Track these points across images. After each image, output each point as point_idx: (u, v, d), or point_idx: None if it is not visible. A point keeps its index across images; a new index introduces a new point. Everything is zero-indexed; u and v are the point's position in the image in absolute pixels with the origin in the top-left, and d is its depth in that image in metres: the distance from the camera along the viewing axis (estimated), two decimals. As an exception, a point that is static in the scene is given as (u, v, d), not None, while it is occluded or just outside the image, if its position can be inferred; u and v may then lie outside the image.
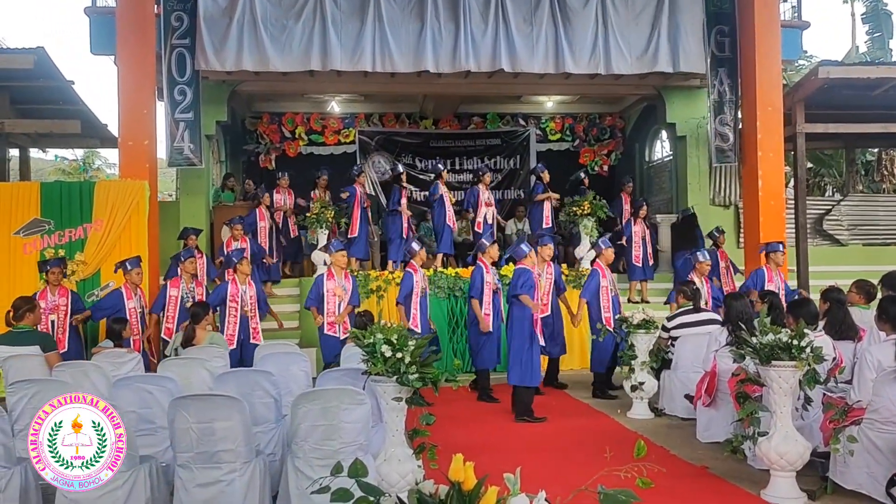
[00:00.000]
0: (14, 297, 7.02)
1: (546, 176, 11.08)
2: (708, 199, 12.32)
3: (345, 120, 14.25)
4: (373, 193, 12.82)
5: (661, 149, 14.01)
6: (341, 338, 7.83)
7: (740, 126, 11.02)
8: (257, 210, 10.73)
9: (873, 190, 16.78)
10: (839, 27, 60.88)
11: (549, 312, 8.51)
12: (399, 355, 3.75)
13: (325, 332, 8.07)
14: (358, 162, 13.75)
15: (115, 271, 8.32)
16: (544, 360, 8.93)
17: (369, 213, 10.99)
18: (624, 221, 11.46)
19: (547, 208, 11.06)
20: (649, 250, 11.09)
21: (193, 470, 3.94)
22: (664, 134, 13.63)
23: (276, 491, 4.33)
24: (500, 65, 10.11)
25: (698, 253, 9.15)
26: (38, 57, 9.33)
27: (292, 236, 11.27)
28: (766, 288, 8.44)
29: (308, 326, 9.52)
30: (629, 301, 10.50)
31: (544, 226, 10.90)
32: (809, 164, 16.94)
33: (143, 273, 8.15)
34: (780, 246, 9.02)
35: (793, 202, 11.51)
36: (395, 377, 3.77)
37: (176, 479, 4.01)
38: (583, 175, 11.81)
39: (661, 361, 7.34)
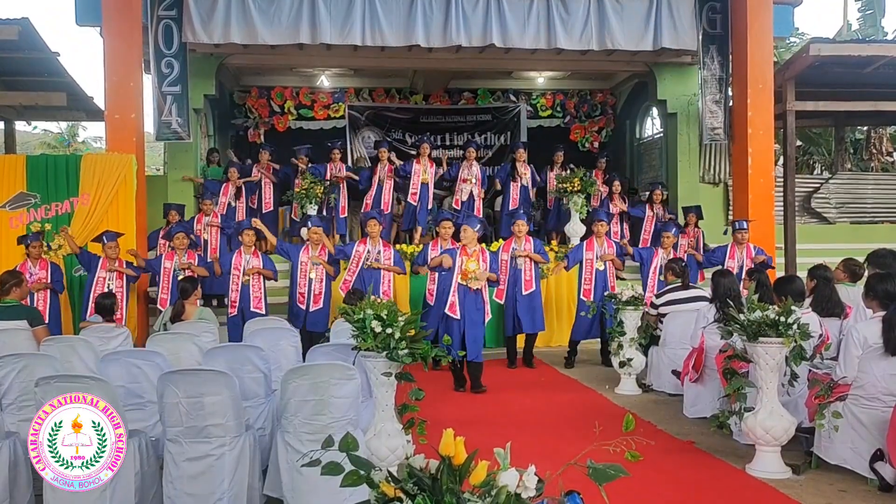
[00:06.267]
0: (1, 271, 6.97)
1: (520, 155, 11.07)
2: (698, 176, 12.33)
3: (334, 94, 14.14)
4: (356, 168, 12.72)
5: (652, 126, 13.99)
6: (311, 310, 8.29)
7: (731, 103, 11.01)
8: (224, 185, 10.68)
9: (862, 168, 16.85)
10: (831, 4, 60.75)
11: (533, 288, 8.49)
12: (389, 331, 3.75)
13: (297, 302, 8.38)
14: (348, 137, 13.70)
15: (93, 242, 8.35)
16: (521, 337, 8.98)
17: (343, 189, 10.94)
18: (596, 198, 11.52)
19: (531, 184, 11.10)
20: (625, 226, 11.08)
21: (183, 444, 3.95)
22: (655, 111, 13.60)
23: (265, 465, 4.35)
24: (491, 40, 10.03)
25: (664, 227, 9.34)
26: (22, 28, 9.17)
27: (265, 210, 11.14)
28: (725, 265, 8.62)
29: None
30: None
31: (511, 206, 10.96)
32: (799, 142, 16.96)
33: (118, 248, 8.14)
34: (745, 224, 9.05)
35: (781, 180, 11.54)
36: (385, 353, 3.77)
37: (165, 454, 4.01)
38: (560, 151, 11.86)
39: (649, 338, 7.40)
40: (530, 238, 8.62)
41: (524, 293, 8.40)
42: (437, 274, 8.02)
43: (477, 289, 7.36)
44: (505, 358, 8.63)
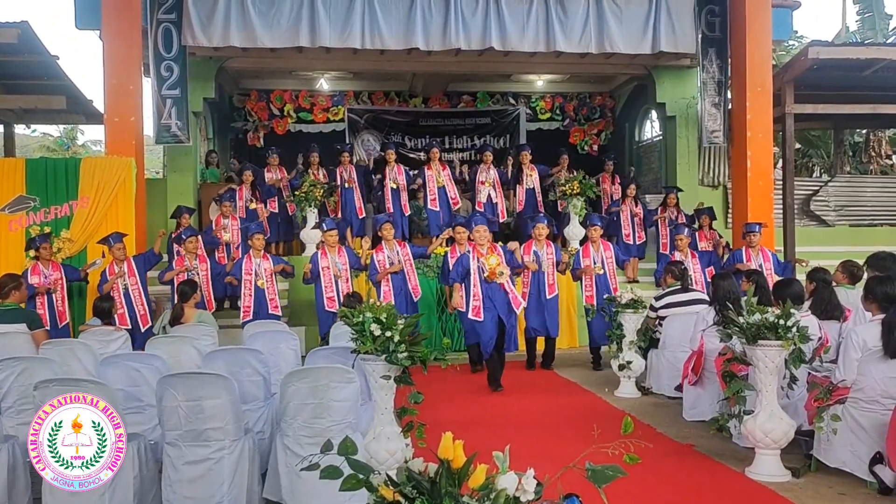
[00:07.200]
0: (0, 274, 6.97)
1: (525, 157, 11.06)
2: (697, 179, 12.33)
3: (334, 98, 14.16)
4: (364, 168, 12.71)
5: (651, 129, 14.01)
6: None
7: (730, 106, 11.02)
8: (237, 189, 10.68)
9: (861, 171, 16.84)
10: (830, 7, 60.82)
11: (556, 292, 8.54)
12: (388, 334, 3.75)
13: (326, 308, 8.23)
14: (347, 140, 13.69)
15: (99, 243, 8.32)
16: (540, 341, 8.95)
17: (355, 193, 10.93)
18: (606, 201, 11.49)
19: (537, 186, 11.08)
20: (638, 229, 11.10)
21: (182, 448, 3.94)
22: (654, 114, 13.62)
23: (264, 469, 4.34)
24: (490, 43, 10.05)
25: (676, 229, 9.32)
26: (22, 31, 9.18)
27: (291, 213, 11.17)
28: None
29: (297, 305, 9.51)
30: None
31: (518, 209, 10.97)
32: (798, 145, 16.98)
33: (125, 248, 8.14)
34: (757, 227, 9.04)
35: (780, 183, 11.55)
36: (385, 356, 3.77)
37: (164, 457, 4.01)
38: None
39: (648, 341, 7.40)
40: (550, 242, 8.65)
41: (549, 296, 8.44)
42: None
43: (501, 282, 7.40)
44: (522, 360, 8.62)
